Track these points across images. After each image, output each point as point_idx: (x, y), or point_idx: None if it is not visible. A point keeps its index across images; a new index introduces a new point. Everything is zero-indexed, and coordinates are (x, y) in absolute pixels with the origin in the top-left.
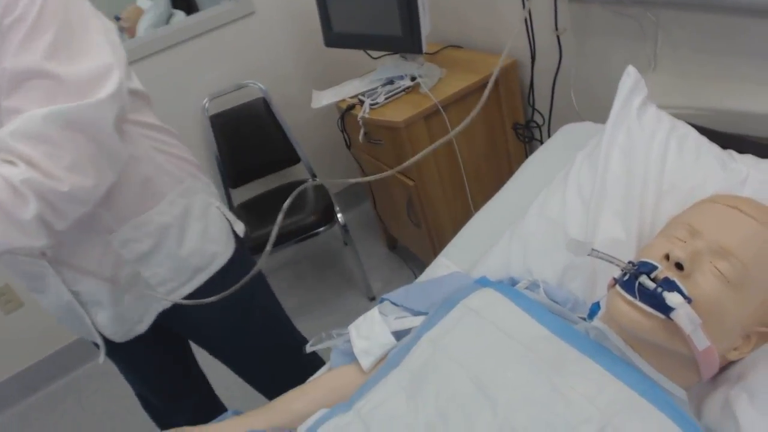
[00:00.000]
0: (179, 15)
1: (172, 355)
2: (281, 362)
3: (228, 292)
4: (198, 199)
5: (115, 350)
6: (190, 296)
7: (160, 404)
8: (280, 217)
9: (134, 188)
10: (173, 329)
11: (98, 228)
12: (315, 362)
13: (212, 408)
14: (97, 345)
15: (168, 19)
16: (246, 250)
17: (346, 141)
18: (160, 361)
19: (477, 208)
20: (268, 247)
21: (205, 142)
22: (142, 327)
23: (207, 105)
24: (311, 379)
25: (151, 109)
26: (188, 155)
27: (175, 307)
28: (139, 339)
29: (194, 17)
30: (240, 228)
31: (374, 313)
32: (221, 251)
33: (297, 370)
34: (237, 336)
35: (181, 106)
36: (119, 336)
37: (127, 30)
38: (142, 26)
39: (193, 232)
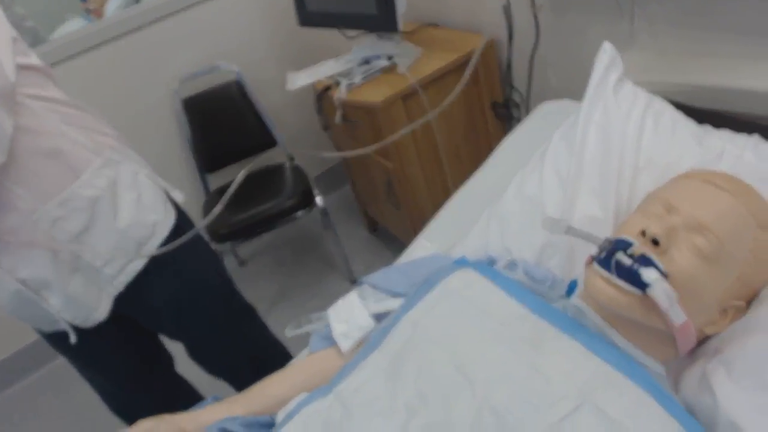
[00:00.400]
0: None
1: (137, 346)
2: (233, 326)
3: (179, 241)
4: (123, 169)
5: (81, 344)
6: (142, 271)
7: (125, 397)
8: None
9: (46, 163)
10: (129, 314)
11: (20, 208)
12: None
13: (185, 398)
14: (52, 339)
15: (137, 1)
16: (187, 218)
17: (323, 123)
18: (125, 352)
19: (457, 188)
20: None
21: (177, 127)
22: (100, 314)
23: (178, 88)
24: (291, 363)
25: (55, 83)
26: (105, 128)
27: (130, 291)
28: (103, 330)
29: None
30: (178, 195)
31: (353, 296)
32: (161, 219)
33: (251, 335)
34: (194, 313)
35: (151, 89)
36: (80, 321)
37: (93, 12)
38: (110, 8)
39: (125, 202)
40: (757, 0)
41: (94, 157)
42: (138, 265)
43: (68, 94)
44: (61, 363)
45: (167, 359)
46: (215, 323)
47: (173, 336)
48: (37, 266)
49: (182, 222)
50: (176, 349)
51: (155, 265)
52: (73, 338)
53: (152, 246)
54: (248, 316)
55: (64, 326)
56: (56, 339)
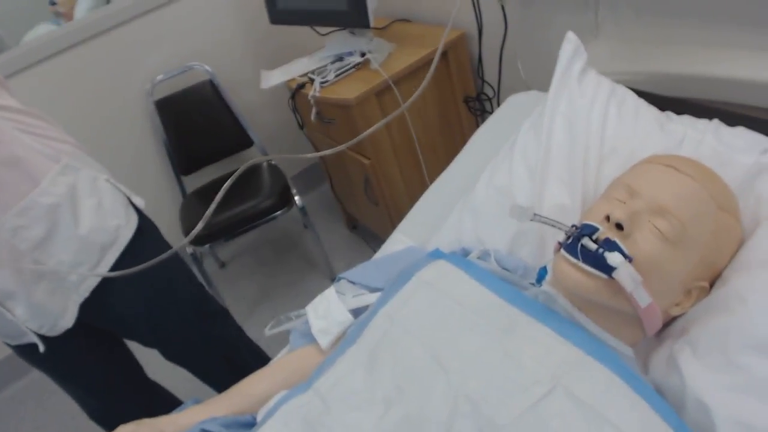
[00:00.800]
0: None
1: (106, 354)
2: (206, 331)
3: (149, 264)
4: (82, 175)
5: (51, 355)
6: (107, 279)
7: (101, 406)
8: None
9: (3, 172)
10: (99, 325)
11: None
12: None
13: (163, 403)
14: (23, 352)
15: (107, 2)
16: (151, 223)
17: (298, 121)
18: (95, 360)
19: (433, 182)
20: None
21: (151, 128)
22: (67, 321)
23: (151, 89)
24: (272, 362)
25: (8, 91)
26: (61, 135)
27: (96, 298)
28: (71, 339)
29: None
30: (139, 201)
31: (330, 292)
32: (123, 224)
33: (225, 338)
34: (162, 318)
35: (123, 91)
36: (47, 329)
37: (63, 15)
38: (80, 10)
39: (86, 208)
40: None
41: (52, 164)
42: (103, 270)
43: (39, 98)
44: (40, 373)
45: (137, 367)
46: (187, 327)
47: (145, 342)
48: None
49: (145, 226)
50: (151, 354)
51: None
52: (41, 348)
53: (116, 251)
54: (221, 318)
55: (31, 338)
56: (27, 352)
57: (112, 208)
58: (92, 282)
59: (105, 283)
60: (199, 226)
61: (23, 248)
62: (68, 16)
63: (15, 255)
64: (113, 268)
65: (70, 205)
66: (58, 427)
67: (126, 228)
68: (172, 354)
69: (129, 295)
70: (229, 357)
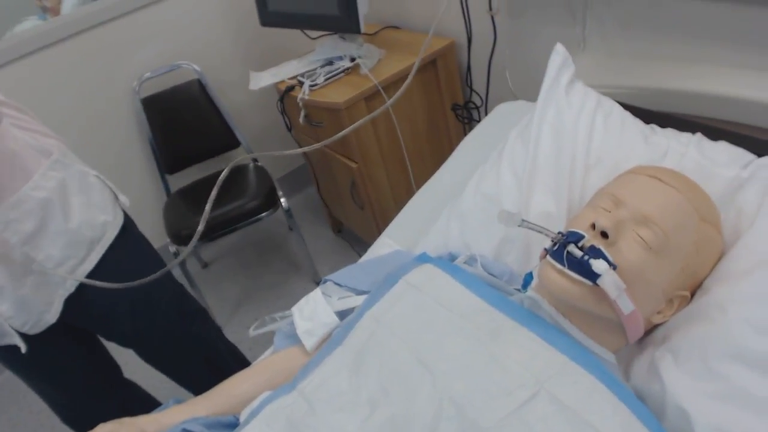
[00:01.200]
0: None
1: (85, 354)
2: (186, 330)
3: (145, 281)
4: (73, 170)
5: (30, 354)
6: (91, 273)
7: (76, 408)
8: (208, 207)
9: (1, 165)
10: (80, 324)
11: None
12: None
13: (140, 404)
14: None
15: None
16: (133, 221)
17: (286, 123)
18: (73, 360)
19: (420, 188)
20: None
21: (137, 126)
22: (52, 316)
23: (138, 87)
24: (256, 363)
25: None
26: (46, 129)
27: (80, 293)
28: (51, 338)
29: None
30: (124, 199)
31: (317, 293)
32: (111, 220)
33: (204, 338)
34: (144, 315)
35: (110, 88)
36: (30, 326)
37: (50, 9)
38: (67, 5)
39: (76, 203)
40: (702, 7)
41: (43, 158)
42: (88, 266)
43: (23, 93)
44: (10, 375)
45: (115, 368)
46: (167, 325)
47: (125, 341)
48: None
49: (127, 223)
50: (128, 355)
51: (104, 269)
52: (23, 348)
53: (102, 246)
54: (200, 318)
55: (11, 339)
56: (3, 353)
57: (101, 203)
58: (77, 275)
59: (90, 275)
60: (197, 234)
61: (14, 242)
62: (55, 11)
63: (5, 248)
64: (99, 264)
65: (61, 200)
66: (35, 425)
67: (113, 224)
68: (150, 354)
69: (112, 291)
70: (209, 358)
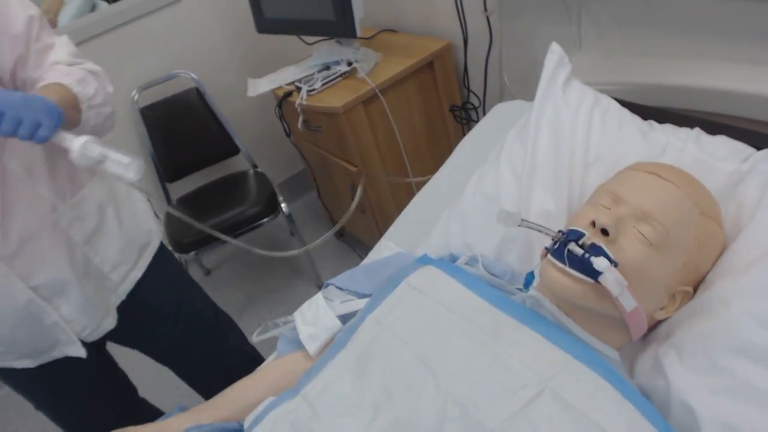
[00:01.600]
0: (102, 6)
1: (109, 374)
2: (223, 340)
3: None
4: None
5: (43, 374)
6: (140, 281)
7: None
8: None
9: (63, 162)
10: (125, 336)
11: (41, 208)
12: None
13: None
14: (13, 377)
15: (91, 10)
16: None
17: (285, 129)
18: (98, 381)
19: (420, 190)
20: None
21: (137, 136)
22: (110, 322)
23: (136, 97)
24: (259, 368)
25: None
26: None
27: (131, 301)
28: (81, 361)
29: (118, 5)
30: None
31: (318, 298)
32: (154, 228)
33: (240, 348)
34: (188, 322)
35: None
36: (89, 332)
37: (48, 21)
38: (64, 18)
39: (126, 210)
40: (696, 1)
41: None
42: (138, 273)
43: None
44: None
45: (133, 390)
46: (207, 334)
47: (163, 353)
48: (55, 268)
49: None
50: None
51: (151, 277)
52: (83, 353)
53: (150, 253)
54: (233, 329)
55: (64, 350)
56: (19, 376)
57: (144, 212)
58: (129, 285)
59: (139, 287)
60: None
61: (77, 239)
62: (52, 23)
63: (70, 246)
64: (146, 271)
65: (113, 205)
66: None
67: (156, 233)
68: (187, 368)
69: (159, 297)
70: (238, 367)
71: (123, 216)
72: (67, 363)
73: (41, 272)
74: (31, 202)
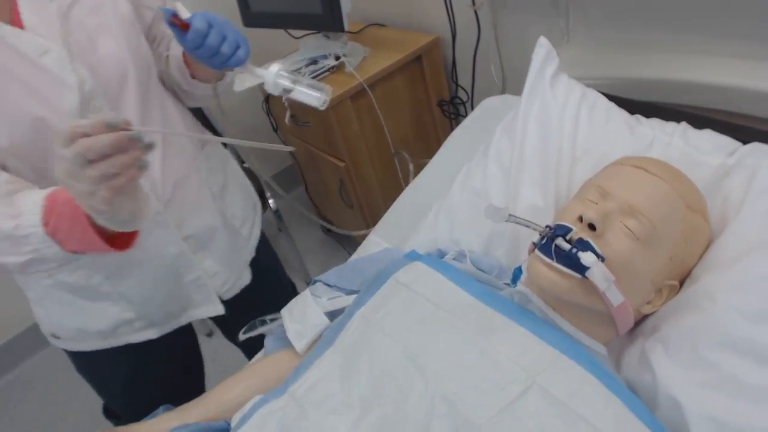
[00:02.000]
0: None
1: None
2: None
3: None
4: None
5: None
6: (261, 238)
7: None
8: None
9: (192, 122)
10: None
11: (188, 154)
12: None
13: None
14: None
15: None
16: None
17: (272, 124)
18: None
19: (408, 185)
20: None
21: None
22: (246, 278)
23: None
24: (246, 366)
25: None
26: None
27: (257, 259)
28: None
29: None
30: None
31: (306, 295)
32: (254, 193)
33: None
34: (278, 289)
35: None
36: (228, 287)
37: None
38: None
39: (238, 170)
40: None
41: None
42: (257, 231)
43: None
44: (4, 382)
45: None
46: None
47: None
48: (203, 217)
49: None
50: None
51: (263, 238)
52: (221, 309)
53: (259, 216)
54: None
55: (194, 314)
56: (124, 353)
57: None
58: (255, 240)
59: (260, 244)
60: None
61: (214, 191)
62: None
63: (209, 197)
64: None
65: (231, 164)
66: (49, 418)
67: (257, 197)
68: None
69: (275, 262)
70: None
71: (239, 175)
72: (182, 334)
73: (192, 220)
74: (180, 147)
